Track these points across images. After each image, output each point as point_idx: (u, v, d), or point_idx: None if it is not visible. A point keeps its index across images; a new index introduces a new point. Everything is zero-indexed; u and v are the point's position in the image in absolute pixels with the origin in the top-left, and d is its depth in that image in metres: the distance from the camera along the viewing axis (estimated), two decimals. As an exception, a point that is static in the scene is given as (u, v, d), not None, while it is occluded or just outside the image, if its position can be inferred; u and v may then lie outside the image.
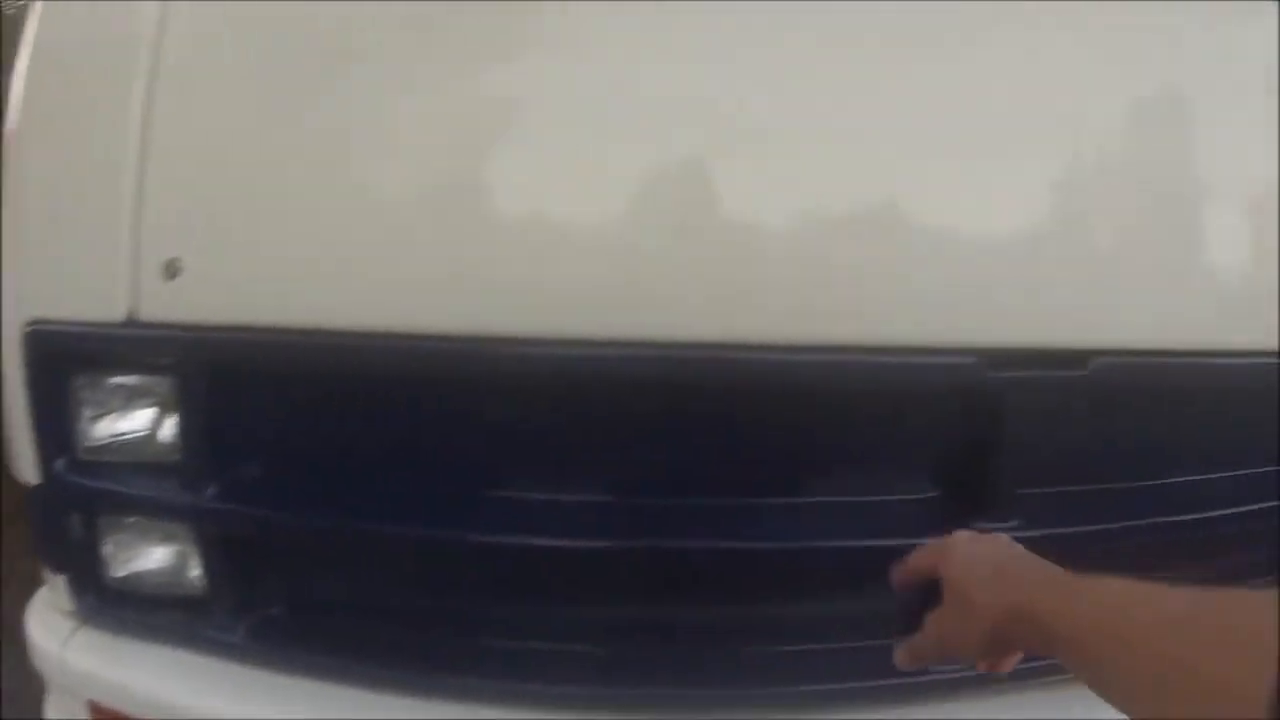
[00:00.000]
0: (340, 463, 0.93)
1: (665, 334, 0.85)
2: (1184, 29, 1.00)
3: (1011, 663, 0.70)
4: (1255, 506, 1.02)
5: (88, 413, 0.99)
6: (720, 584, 0.96)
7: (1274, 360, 0.98)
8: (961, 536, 0.74)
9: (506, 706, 0.93)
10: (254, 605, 0.99)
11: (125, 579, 1.04)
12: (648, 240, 0.85)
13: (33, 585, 1.14)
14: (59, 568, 1.06)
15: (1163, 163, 0.96)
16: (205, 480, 0.94)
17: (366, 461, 0.93)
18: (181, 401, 0.93)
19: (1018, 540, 0.88)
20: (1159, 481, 1.00)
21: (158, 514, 0.99)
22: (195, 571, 1.01)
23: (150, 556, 1.03)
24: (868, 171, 0.86)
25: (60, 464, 1.00)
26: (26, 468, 1.04)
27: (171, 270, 0.88)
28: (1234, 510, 1.01)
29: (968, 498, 0.92)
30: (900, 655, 0.73)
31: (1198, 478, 1.02)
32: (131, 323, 0.90)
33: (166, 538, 1.02)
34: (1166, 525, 0.98)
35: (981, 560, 0.68)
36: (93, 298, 0.92)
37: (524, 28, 0.88)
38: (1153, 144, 0.96)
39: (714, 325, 0.85)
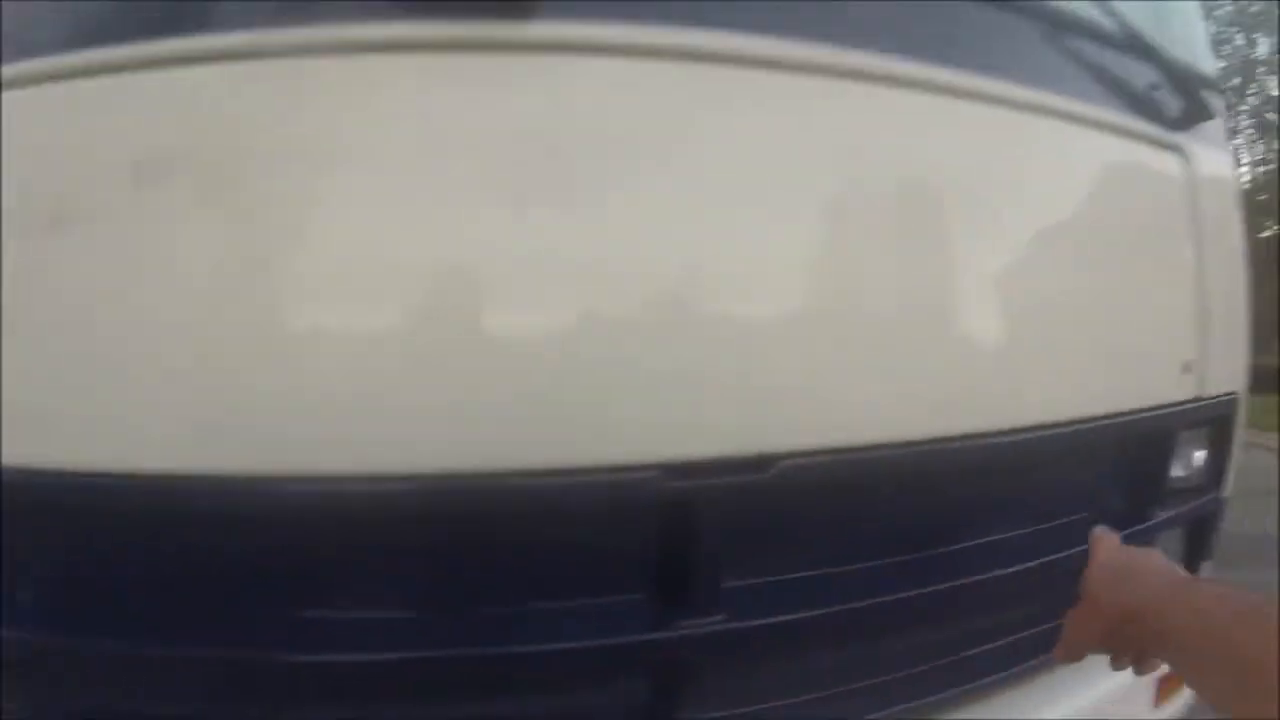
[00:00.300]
0: (104, 590, 0.97)
1: (381, 466, 0.90)
2: (903, 126, 1.10)
3: (1153, 666, 0.75)
4: (952, 583, 1.12)
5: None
6: (477, 687, 1.01)
7: (952, 445, 1.08)
8: (1108, 541, 0.80)
9: None
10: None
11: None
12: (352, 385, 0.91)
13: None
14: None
15: (835, 273, 1.04)
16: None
17: (126, 585, 0.96)
18: None
19: (722, 633, 0.97)
20: (864, 565, 1.08)
21: None
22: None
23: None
24: (547, 304, 0.93)
25: None
26: None
27: None
28: (933, 588, 1.09)
29: (674, 596, 0.99)
30: (1056, 651, 0.81)
31: (899, 559, 1.11)
32: None
33: None
34: (873, 606, 1.06)
35: (1113, 565, 0.75)
36: None
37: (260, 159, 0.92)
38: (828, 252, 1.04)
39: (444, 455, 0.90)
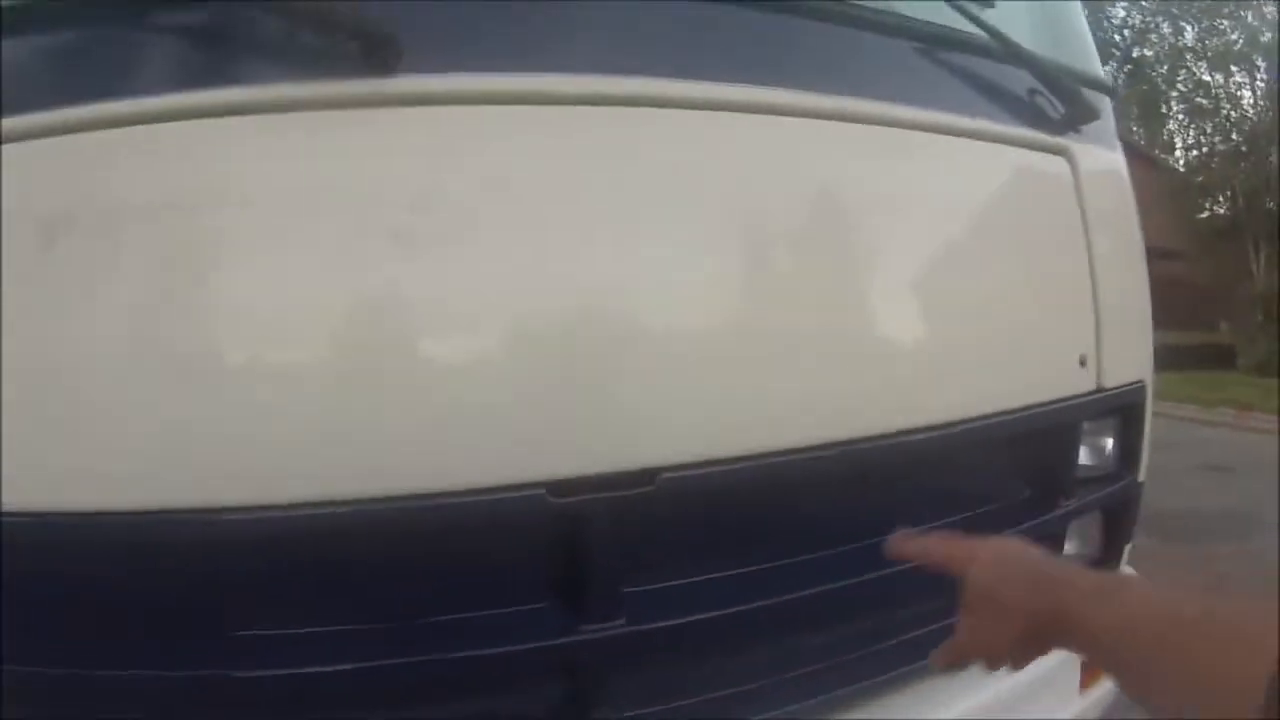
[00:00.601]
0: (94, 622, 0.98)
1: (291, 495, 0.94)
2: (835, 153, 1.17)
3: (1029, 662, 0.75)
4: (851, 580, 1.16)
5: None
6: (393, 696, 1.04)
7: (835, 449, 1.13)
8: (988, 541, 0.79)
9: None
10: None
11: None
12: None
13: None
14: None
15: (716, 291, 1.09)
16: None
17: (122, 618, 0.98)
18: None
19: (621, 636, 1.00)
20: (755, 568, 1.13)
21: None
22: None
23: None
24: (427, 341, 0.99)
25: None
26: None
27: None
28: (831, 586, 1.14)
29: (575, 603, 1.03)
30: (937, 657, 0.79)
31: (795, 560, 1.15)
32: None
33: None
34: (771, 606, 1.10)
35: (1011, 564, 0.73)
36: None
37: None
38: (707, 272, 1.08)
39: (349, 483, 0.95)
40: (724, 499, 1.08)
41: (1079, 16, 1.70)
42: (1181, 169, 19.76)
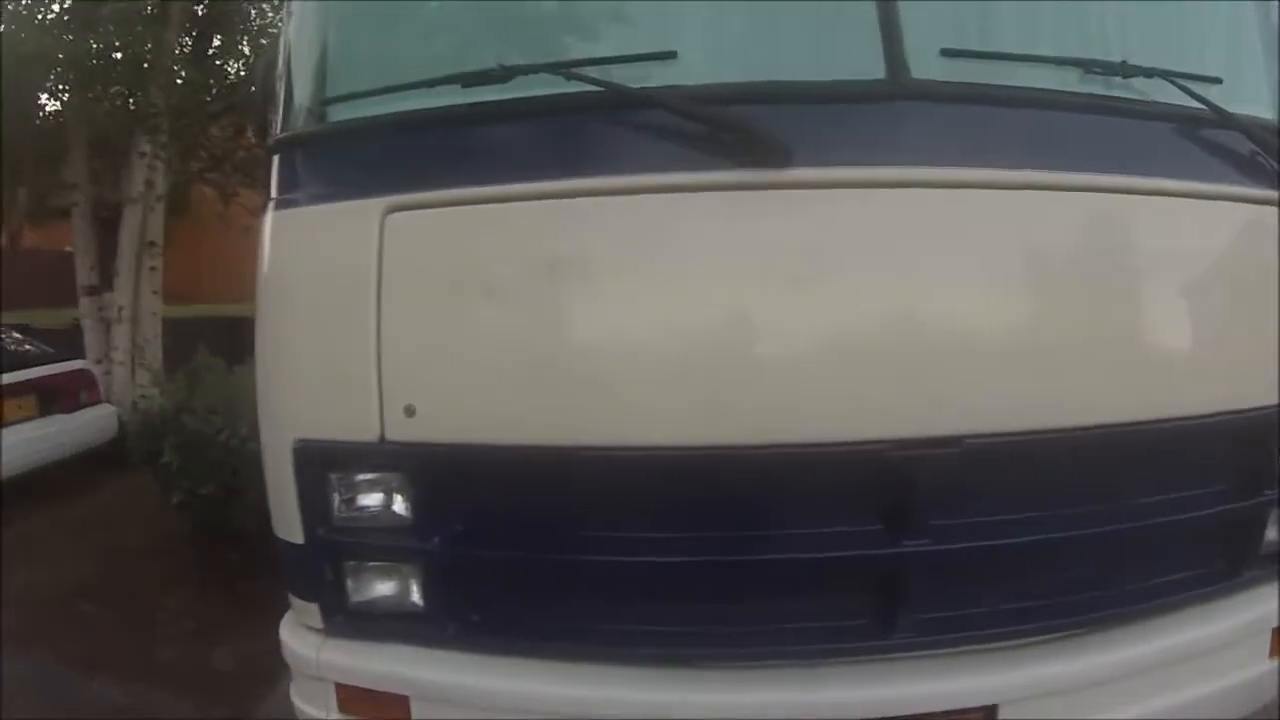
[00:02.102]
0: (507, 519, 1.53)
1: (712, 440, 1.44)
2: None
3: None
4: (1096, 530, 1.57)
5: (339, 497, 1.59)
6: (761, 583, 1.54)
7: (1094, 431, 1.52)
8: None
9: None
10: (460, 614, 1.59)
11: (362, 603, 1.64)
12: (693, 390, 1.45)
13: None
14: (313, 599, 1.66)
15: (1017, 321, 1.51)
16: (430, 534, 1.55)
17: (524, 518, 1.52)
18: (414, 489, 1.54)
19: (928, 552, 1.44)
20: (1025, 515, 1.54)
21: (395, 558, 1.59)
22: (413, 596, 1.60)
23: (381, 588, 1.63)
24: (826, 335, 1.46)
25: (320, 530, 1.60)
26: (291, 532, 1.64)
27: (409, 412, 1.49)
28: (1069, 534, 1.56)
29: (898, 526, 1.49)
30: None
31: (1057, 511, 1.56)
32: (384, 442, 1.51)
33: (391, 575, 1.61)
34: (1030, 543, 1.52)
35: None
36: (354, 426, 1.53)
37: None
38: (1015, 307, 1.51)
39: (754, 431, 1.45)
40: (1007, 461, 1.50)
41: None
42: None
